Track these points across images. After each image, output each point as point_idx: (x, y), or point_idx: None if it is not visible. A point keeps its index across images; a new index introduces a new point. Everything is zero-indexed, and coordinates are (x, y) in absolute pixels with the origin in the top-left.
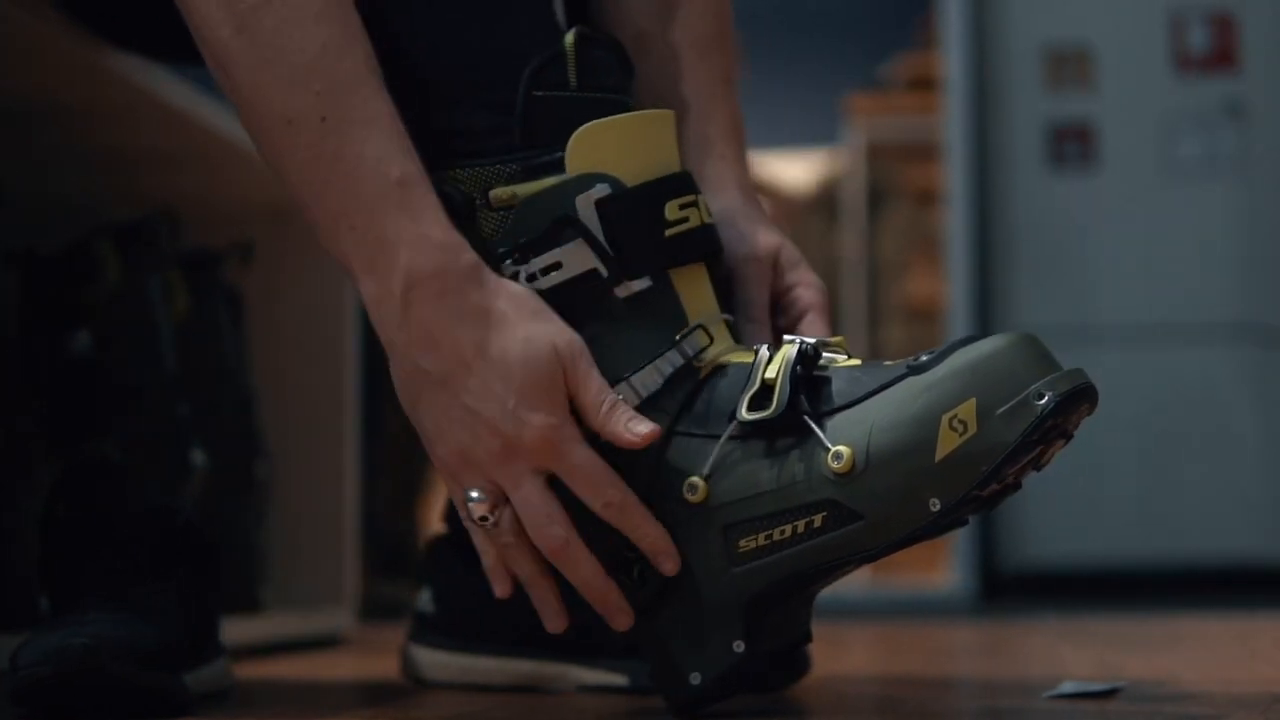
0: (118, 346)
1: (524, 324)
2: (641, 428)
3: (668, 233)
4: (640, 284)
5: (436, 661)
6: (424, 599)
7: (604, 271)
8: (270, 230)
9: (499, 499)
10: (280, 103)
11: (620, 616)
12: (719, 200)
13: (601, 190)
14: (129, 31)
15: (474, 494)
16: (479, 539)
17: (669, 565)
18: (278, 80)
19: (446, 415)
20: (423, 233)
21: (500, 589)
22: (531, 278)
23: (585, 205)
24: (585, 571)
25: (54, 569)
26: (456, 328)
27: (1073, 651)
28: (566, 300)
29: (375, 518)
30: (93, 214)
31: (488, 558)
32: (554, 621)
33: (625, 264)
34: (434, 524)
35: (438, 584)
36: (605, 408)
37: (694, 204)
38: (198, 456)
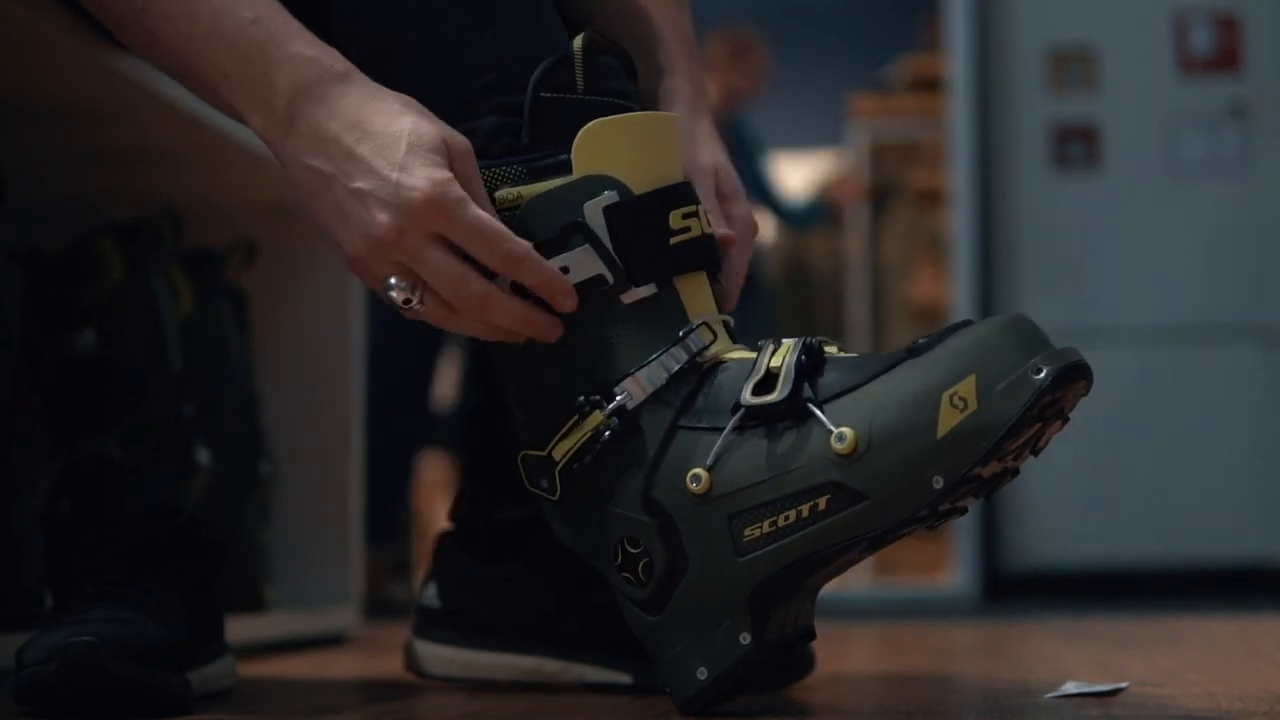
0: (121, 345)
1: (411, 115)
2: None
3: (672, 241)
4: (646, 290)
5: (440, 656)
6: (429, 593)
7: (610, 278)
8: (273, 229)
9: (415, 280)
10: None
11: (552, 331)
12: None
13: (609, 197)
14: None
15: (391, 281)
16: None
17: (569, 303)
18: None
19: (340, 208)
20: (292, 53)
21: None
22: None
23: (594, 212)
24: (515, 312)
25: (58, 568)
26: (341, 121)
27: (1074, 651)
28: None
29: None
30: (95, 213)
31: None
32: (548, 331)
33: (632, 272)
34: (442, 521)
35: (443, 579)
36: (492, 211)
37: (695, 214)
38: (202, 455)
